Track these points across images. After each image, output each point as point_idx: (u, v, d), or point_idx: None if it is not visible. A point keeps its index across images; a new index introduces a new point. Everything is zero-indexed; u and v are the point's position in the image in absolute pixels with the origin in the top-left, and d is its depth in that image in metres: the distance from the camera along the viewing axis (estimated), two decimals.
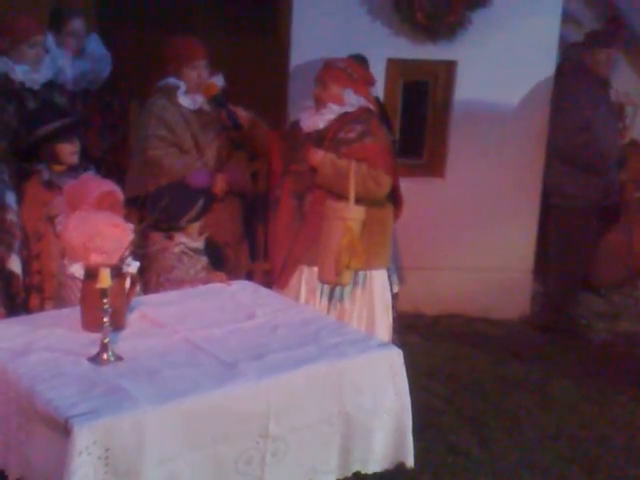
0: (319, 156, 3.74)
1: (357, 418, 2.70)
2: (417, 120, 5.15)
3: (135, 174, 4.02)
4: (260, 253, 4.62)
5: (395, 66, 4.97)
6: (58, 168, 3.60)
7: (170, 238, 3.54)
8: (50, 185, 3.46)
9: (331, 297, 3.81)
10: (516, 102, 5.09)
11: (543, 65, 5.04)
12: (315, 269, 3.79)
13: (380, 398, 2.75)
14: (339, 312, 3.81)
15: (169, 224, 3.55)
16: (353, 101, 3.80)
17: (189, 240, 3.57)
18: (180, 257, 3.51)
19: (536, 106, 5.08)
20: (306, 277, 3.82)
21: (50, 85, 3.97)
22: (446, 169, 5.15)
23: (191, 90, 4.02)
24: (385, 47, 4.86)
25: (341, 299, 3.80)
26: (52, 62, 4.09)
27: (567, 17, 5.24)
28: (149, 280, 3.50)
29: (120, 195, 3.26)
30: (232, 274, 3.72)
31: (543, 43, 4.99)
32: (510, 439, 3.73)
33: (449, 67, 5.05)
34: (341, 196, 3.74)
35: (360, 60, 4.49)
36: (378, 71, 4.78)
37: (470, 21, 4.86)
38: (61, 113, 3.75)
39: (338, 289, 3.79)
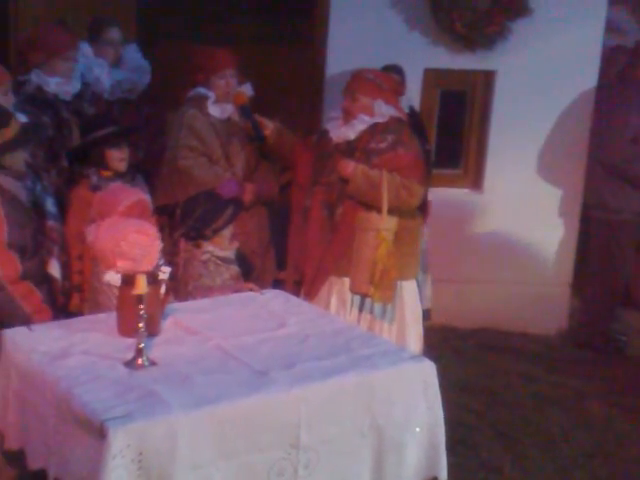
0: (350, 167, 3.73)
1: (389, 431, 2.68)
2: (454, 130, 5.12)
3: (165, 183, 4.05)
4: (289, 262, 4.64)
5: (432, 76, 4.96)
6: (106, 173, 3.66)
7: (198, 247, 3.57)
8: (97, 189, 3.53)
9: (361, 308, 3.80)
10: (557, 113, 5.04)
11: (585, 75, 4.99)
12: (346, 280, 3.78)
13: (412, 411, 2.73)
14: (369, 323, 3.79)
15: (197, 233, 3.59)
16: (384, 111, 3.79)
17: (216, 249, 3.59)
18: (206, 265, 3.54)
19: (577, 117, 5.03)
20: (336, 288, 3.82)
21: (80, 95, 4.05)
22: (484, 180, 5.12)
23: (220, 99, 4.05)
24: (422, 57, 4.86)
25: (372, 311, 3.78)
26: (87, 72, 4.16)
27: (610, 26, 5.18)
28: (179, 288, 3.53)
29: (149, 204, 3.29)
30: (259, 283, 3.73)
31: (585, 53, 4.95)
32: (544, 456, 3.68)
33: (488, 77, 5.03)
34: (372, 206, 3.72)
35: (396, 70, 4.49)
36: (415, 81, 4.79)
37: (510, 30, 4.84)
38: (114, 121, 3.82)
39: (369, 300, 3.78)
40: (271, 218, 4.31)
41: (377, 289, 3.71)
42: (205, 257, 3.54)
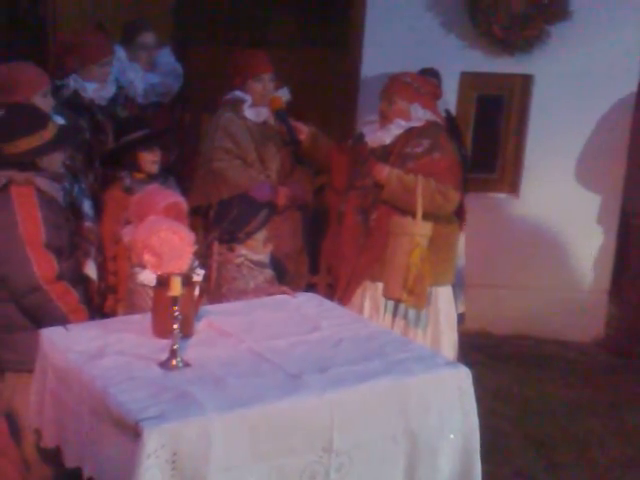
0: (385, 172, 3.71)
1: (423, 437, 2.66)
2: (491, 134, 5.09)
3: (199, 184, 4.08)
4: (322, 266, 4.63)
5: (469, 80, 4.94)
6: (139, 176, 3.71)
7: (232, 250, 3.58)
8: (131, 191, 3.57)
9: (395, 313, 3.78)
10: (596, 118, 4.98)
11: (625, 79, 4.93)
12: (379, 285, 3.76)
13: (447, 418, 2.70)
14: (403, 329, 3.77)
15: (230, 236, 3.60)
16: (420, 115, 3.76)
17: (250, 252, 3.60)
18: (240, 269, 3.55)
19: (617, 121, 4.96)
20: (370, 293, 3.80)
21: (114, 99, 4.09)
22: (521, 185, 5.06)
23: (256, 103, 4.07)
24: (459, 60, 4.83)
25: (405, 316, 3.76)
26: (121, 75, 4.21)
27: None
28: (213, 290, 3.54)
29: (185, 206, 3.32)
30: (292, 286, 3.73)
31: (625, 57, 4.89)
32: (579, 465, 3.64)
33: (526, 81, 4.99)
34: (407, 212, 3.70)
35: (432, 74, 4.46)
36: (451, 85, 4.75)
37: (549, 34, 4.79)
38: (147, 124, 3.86)
39: (402, 305, 3.75)
40: (305, 222, 4.31)
41: (410, 295, 3.69)
42: (239, 260, 3.55)
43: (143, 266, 2.86)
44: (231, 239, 3.59)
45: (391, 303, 3.78)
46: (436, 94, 3.96)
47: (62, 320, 3.01)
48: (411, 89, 3.77)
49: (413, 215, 3.67)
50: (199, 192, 4.05)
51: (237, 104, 4.07)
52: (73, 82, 3.93)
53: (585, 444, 3.83)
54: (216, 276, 3.58)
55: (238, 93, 4.08)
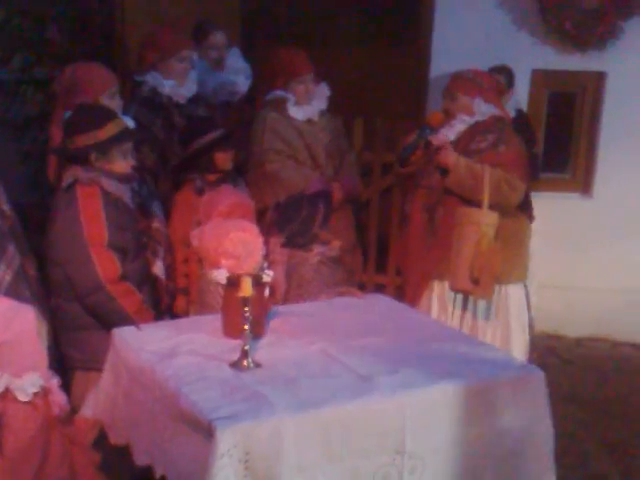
0: (453, 157, 3.64)
1: (496, 441, 2.61)
2: (563, 133, 4.98)
3: (253, 188, 3.98)
4: (391, 267, 4.58)
5: (541, 77, 4.85)
6: (210, 177, 3.71)
7: (309, 250, 3.57)
8: (202, 193, 3.58)
9: (464, 311, 3.71)
10: None
11: None
12: (446, 283, 3.70)
13: (520, 421, 2.65)
14: (471, 329, 3.71)
15: (303, 236, 3.58)
16: (484, 110, 3.71)
17: (326, 249, 3.59)
18: (319, 268, 3.54)
19: None
20: (437, 292, 3.75)
21: (196, 99, 4.07)
22: (594, 185, 4.95)
23: (299, 102, 4.02)
24: (530, 57, 4.76)
25: (474, 312, 3.69)
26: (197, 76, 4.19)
27: None
28: (287, 291, 3.54)
29: (251, 205, 3.31)
30: (347, 283, 3.71)
31: None
32: None
33: (599, 78, 4.87)
34: (472, 202, 3.63)
35: (505, 71, 4.39)
36: (523, 82, 4.68)
37: (622, 30, 4.67)
38: (214, 124, 3.87)
39: (471, 300, 3.69)
40: (357, 217, 4.25)
41: (478, 285, 3.61)
42: (317, 259, 3.55)
43: (218, 268, 2.87)
44: (304, 241, 3.58)
45: (459, 301, 3.71)
46: (499, 89, 3.89)
47: (127, 320, 3.04)
48: (472, 84, 3.72)
49: (479, 205, 3.60)
50: (254, 196, 3.94)
51: (280, 103, 4.02)
52: (151, 79, 3.92)
53: None
54: (287, 278, 3.58)
55: (280, 92, 4.03)
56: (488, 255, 3.54)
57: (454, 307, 3.73)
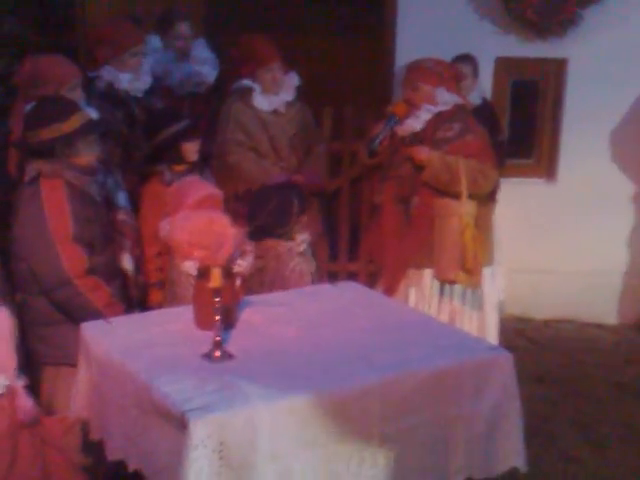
0: (426, 152, 3.66)
1: (467, 422, 2.65)
2: (526, 120, 5.04)
3: (215, 177, 3.95)
4: (362, 255, 4.60)
5: (504, 65, 4.90)
6: (178, 168, 3.69)
7: (292, 239, 3.58)
8: (172, 185, 3.55)
9: (441, 298, 3.75)
10: (630, 100, 4.93)
11: None
12: (425, 271, 3.73)
13: (490, 403, 2.69)
14: (450, 313, 3.75)
15: (282, 227, 3.58)
16: (447, 99, 3.73)
17: (307, 235, 3.60)
18: (303, 254, 3.55)
19: None
20: (415, 280, 3.78)
21: (152, 91, 4.03)
22: (558, 170, 5.02)
23: (266, 91, 3.99)
24: (493, 46, 4.81)
25: (451, 299, 3.74)
26: (157, 66, 4.16)
27: None
28: (273, 283, 3.54)
29: (220, 196, 3.31)
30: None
31: None
32: (624, 446, 3.61)
33: (560, 65, 4.94)
34: (447, 193, 3.67)
35: (468, 60, 4.42)
36: (486, 70, 4.72)
37: (582, 17, 4.73)
38: (179, 115, 3.85)
39: (447, 289, 3.73)
40: (323, 208, 4.25)
41: (468, 274, 3.66)
42: (302, 248, 3.55)
43: (188, 260, 2.86)
44: (284, 231, 3.58)
45: (437, 288, 3.75)
46: (458, 78, 3.92)
47: (96, 314, 3.01)
48: (434, 74, 3.73)
49: (455, 196, 3.65)
50: (217, 185, 3.99)
51: (246, 93, 3.99)
52: (107, 73, 3.89)
53: (629, 425, 3.81)
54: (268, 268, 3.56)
55: (246, 82, 4.00)
56: (474, 244, 3.60)
57: (432, 293, 3.76)
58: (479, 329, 3.73)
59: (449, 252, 3.63)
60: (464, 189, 3.61)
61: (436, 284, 3.74)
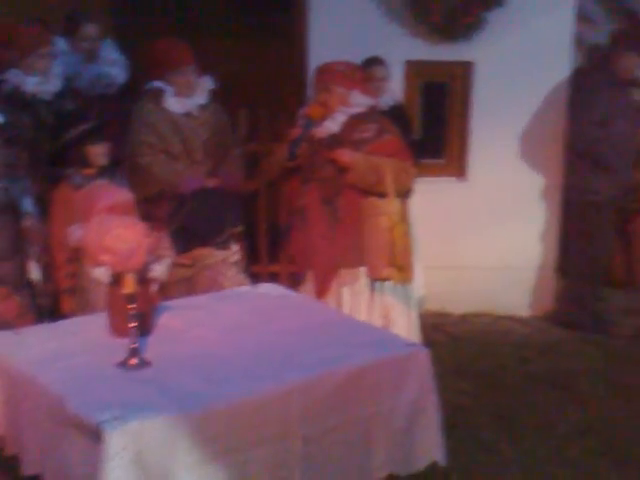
0: (348, 155, 3.68)
1: (386, 418, 2.69)
2: (437, 121, 5.14)
3: (127, 180, 3.87)
4: (283, 256, 4.59)
5: (413, 68, 4.98)
6: (88, 171, 3.61)
7: (226, 248, 3.55)
8: (81, 189, 3.48)
9: (374, 296, 3.77)
10: (534, 101, 5.08)
11: (559, 64, 5.03)
12: (357, 270, 3.73)
13: (408, 398, 2.74)
14: (383, 308, 3.76)
15: (219, 235, 3.57)
16: (361, 101, 3.78)
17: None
18: (238, 265, 3.54)
19: (553, 104, 5.07)
20: (347, 280, 3.78)
21: (63, 93, 3.94)
22: (467, 169, 5.14)
23: (180, 94, 3.96)
24: (403, 49, 4.87)
25: (382, 294, 3.77)
26: (66, 68, 4.06)
27: (583, 16, 5.19)
28: (209, 291, 3.52)
29: (131, 202, 3.25)
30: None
31: (558, 42, 4.98)
32: (539, 435, 3.71)
33: (466, 68, 5.04)
34: (372, 193, 3.71)
35: (378, 62, 4.48)
36: (397, 73, 4.79)
37: (486, 21, 4.85)
38: (86, 117, 3.77)
39: (379, 286, 3.76)
40: (246, 209, 4.25)
41: (400, 271, 3.71)
42: (236, 257, 3.52)
43: (99, 266, 2.81)
44: (221, 239, 3.55)
45: (368, 285, 3.77)
46: (369, 80, 3.95)
47: (6, 325, 2.94)
48: (346, 76, 3.76)
49: (380, 195, 3.68)
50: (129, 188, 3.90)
51: (158, 95, 3.95)
52: (13, 77, 3.78)
53: (544, 414, 3.90)
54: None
55: (158, 84, 3.95)
56: (404, 240, 3.67)
57: (365, 291, 3.79)
58: (404, 325, 3.77)
59: (380, 250, 3.67)
60: (390, 188, 3.66)
61: (367, 282, 3.77)
